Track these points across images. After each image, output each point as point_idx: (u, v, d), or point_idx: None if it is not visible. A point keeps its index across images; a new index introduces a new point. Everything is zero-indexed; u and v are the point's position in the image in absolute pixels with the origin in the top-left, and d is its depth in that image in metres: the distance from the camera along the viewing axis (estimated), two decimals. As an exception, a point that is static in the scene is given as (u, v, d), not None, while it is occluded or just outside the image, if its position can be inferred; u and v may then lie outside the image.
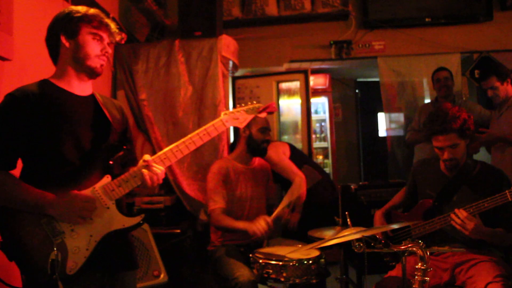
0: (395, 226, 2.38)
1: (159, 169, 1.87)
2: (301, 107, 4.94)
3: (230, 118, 2.01)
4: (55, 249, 1.66)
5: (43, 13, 2.81)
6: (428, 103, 4.73)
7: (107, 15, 1.97)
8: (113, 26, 1.95)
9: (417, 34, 5.09)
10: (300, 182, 3.53)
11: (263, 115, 2.15)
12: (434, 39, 5.09)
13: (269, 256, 2.62)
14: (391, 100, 5.26)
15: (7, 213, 1.74)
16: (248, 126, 3.06)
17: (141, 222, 1.87)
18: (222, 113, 2.01)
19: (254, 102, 2.08)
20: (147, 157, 1.88)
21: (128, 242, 2.02)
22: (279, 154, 3.78)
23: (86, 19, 1.89)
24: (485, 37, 5.08)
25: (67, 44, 1.88)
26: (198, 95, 4.03)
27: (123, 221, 1.84)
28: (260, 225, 2.76)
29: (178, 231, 3.56)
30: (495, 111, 3.96)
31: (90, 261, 1.76)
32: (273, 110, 2.16)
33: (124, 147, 1.94)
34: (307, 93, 4.94)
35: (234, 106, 5.18)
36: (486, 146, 4.04)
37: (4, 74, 2.39)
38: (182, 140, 1.93)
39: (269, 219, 2.79)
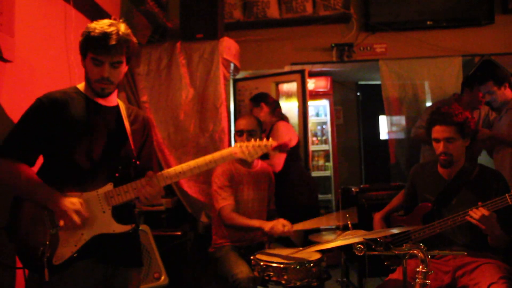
0: (395, 231, 2.37)
1: (157, 186, 1.98)
2: (298, 109, 4.93)
3: (239, 151, 2.04)
4: (48, 238, 1.82)
5: (44, 15, 2.82)
6: (437, 102, 4.65)
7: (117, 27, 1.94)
8: (117, 42, 1.89)
9: (418, 37, 5.08)
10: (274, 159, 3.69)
11: (275, 152, 2.20)
12: (436, 42, 5.07)
13: (270, 259, 2.61)
14: (392, 103, 5.24)
15: (19, 199, 1.91)
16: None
17: (130, 231, 1.99)
18: (234, 145, 2.05)
19: (265, 139, 2.08)
20: (150, 173, 1.99)
21: (135, 240, 2.12)
22: (289, 133, 3.92)
23: (90, 43, 1.91)
24: (486, 40, 5.06)
25: (82, 65, 2.00)
26: (200, 98, 4.03)
27: (114, 227, 1.96)
28: (277, 227, 2.75)
29: (179, 233, 3.56)
30: (496, 114, 3.95)
31: (78, 256, 1.88)
32: (286, 148, 2.21)
33: (138, 162, 2.06)
34: (304, 94, 4.89)
35: (235, 109, 5.18)
36: (487, 149, 4.03)
37: (5, 75, 2.39)
38: (188, 163, 2.00)
39: (289, 225, 2.76)
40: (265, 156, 3.64)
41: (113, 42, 1.89)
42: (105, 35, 1.89)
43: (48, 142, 1.92)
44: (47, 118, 1.91)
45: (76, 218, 1.84)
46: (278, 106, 4.32)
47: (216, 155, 2.02)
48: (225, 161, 2.07)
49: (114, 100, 2.10)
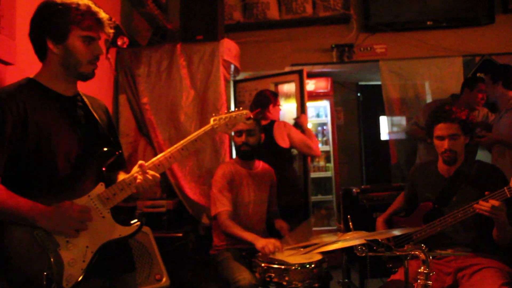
0: (397, 233, 2.37)
1: (154, 176, 1.83)
2: (296, 109, 4.92)
3: (220, 124, 2.01)
4: (52, 261, 1.54)
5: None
6: (434, 101, 4.66)
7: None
8: (105, 18, 1.78)
9: (419, 37, 5.08)
10: None
11: (250, 121, 2.14)
12: (436, 42, 5.08)
13: (271, 260, 2.61)
14: (393, 104, 5.25)
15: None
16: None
17: (137, 231, 1.82)
18: (212, 119, 2.02)
19: (241, 108, 2.09)
20: (141, 163, 1.85)
21: (124, 244, 1.95)
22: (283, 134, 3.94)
23: (76, 19, 1.70)
24: (487, 40, 5.06)
25: (54, 50, 1.74)
26: (200, 99, 4.03)
27: (119, 231, 1.78)
28: (268, 247, 2.67)
29: (180, 235, 3.56)
30: (499, 113, 3.97)
31: (88, 273, 1.68)
32: (262, 115, 2.17)
33: (117, 152, 1.87)
34: (302, 94, 4.87)
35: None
36: (487, 148, 4.04)
37: (6, 78, 2.40)
38: (175, 146, 1.94)
39: (280, 246, 2.70)
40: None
41: (102, 15, 1.75)
42: (91, 9, 1.73)
43: (14, 145, 1.63)
44: (8, 115, 1.63)
45: (82, 227, 1.67)
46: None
47: (199, 132, 1.97)
48: (210, 138, 1.98)
49: (75, 88, 1.87)
